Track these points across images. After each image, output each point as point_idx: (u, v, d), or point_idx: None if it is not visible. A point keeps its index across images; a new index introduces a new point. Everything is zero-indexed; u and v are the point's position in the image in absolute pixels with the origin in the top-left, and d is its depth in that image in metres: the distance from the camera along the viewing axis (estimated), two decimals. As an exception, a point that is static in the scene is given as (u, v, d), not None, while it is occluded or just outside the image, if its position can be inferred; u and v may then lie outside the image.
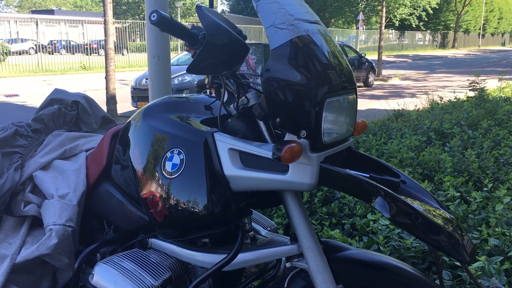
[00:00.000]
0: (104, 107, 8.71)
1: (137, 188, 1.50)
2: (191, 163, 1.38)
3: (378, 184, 1.21)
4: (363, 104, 11.02)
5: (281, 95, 1.26)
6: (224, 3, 64.58)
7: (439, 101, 7.61)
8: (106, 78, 8.50)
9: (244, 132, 1.43)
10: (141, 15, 43.32)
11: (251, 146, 1.33)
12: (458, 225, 1.25)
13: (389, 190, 1.19)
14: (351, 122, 1.40)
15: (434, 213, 1.23)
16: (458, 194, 2.62)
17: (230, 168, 1.35)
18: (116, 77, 8.79)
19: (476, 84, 6.75)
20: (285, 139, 1.30)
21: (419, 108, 7.48)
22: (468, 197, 2.80)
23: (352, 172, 1.33)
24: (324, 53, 1.31)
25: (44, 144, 1.87)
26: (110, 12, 8.25)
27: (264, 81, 1.27)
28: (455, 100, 7.47)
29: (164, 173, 1.42)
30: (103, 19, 8.37)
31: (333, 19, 44.64)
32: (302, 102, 1.24)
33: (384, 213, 1.19)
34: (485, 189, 2.60)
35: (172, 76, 9.76)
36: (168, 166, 1.42)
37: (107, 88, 8.50)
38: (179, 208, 1.40)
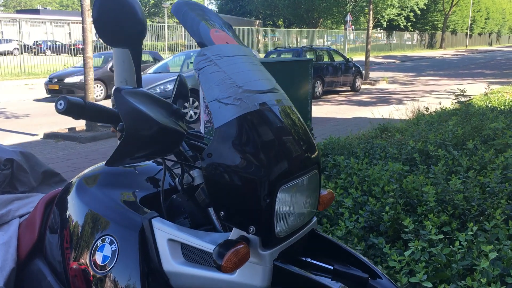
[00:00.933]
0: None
1: (66, 276, 1.30)
2: (124, 256, 1.18)
3: None
4: (349, 112, 10.87)
5: (225, 184, 1.07)
6: (212, 3, 64.28)
7: (425, 112, 7.47)
8: (85, 87, 8.24)
9: (191, 212, 1.24)
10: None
11: (194, 237, 1.14)
12: None
13: None
14: (313, 202, 1.22)
15: None
16: (441, 236, 2.45)
17: (170, 263, 1.15)
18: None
19: (462, 95, 6.61)
20: (232, 232, 1.11)
21: (405, 119, 7.34)
22: (452, 236, 2.64)
23: (314, 263, 1.15)
24: (278, 130, 1.12)
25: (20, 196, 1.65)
26: (88, 19, 8.00)
27: (205, 168, 1.08)
28: (441, 109, 7.33)
29: (94, 266, 1.22)
30: (81, 27, 8.11)
31: (321, 19, 44.57)
32: (250, 193, 1.05)
33: None
34: (470, 233, 2.44)
35: (154, 85, 9.56)
36: (99, 257, 1.22)
37: (85, 98, 8.24)
38: None
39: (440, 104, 7.68)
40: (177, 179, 1.27)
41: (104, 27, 1.19)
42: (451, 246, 2.41)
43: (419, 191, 3.34)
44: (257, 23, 49.27)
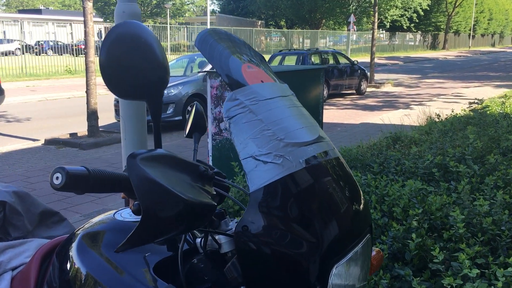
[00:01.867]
0: (82, 123, 8.27)
1: None
2: None
3: None
4: (356, 117, 10.67)
5: (264, 264, 0.87)
6: (214, 3, 64.09)
7: (436, 119, 7.26)
8: (87, 92, 8.04)
9: (216, 281, 1.03)
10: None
11: None
12: None
13: None
14: (366, 271, 1.02)
15: None
16: (477, 271, 2.25)
17: None
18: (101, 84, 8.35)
19: (477, 103, 6.40)
20: None
21: (416, 125, 7.14)
22: (488, 271, 2.44)
23: None
24: (328, 193, 0.93)
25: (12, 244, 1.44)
26: (90, 23, 7.81)
27: (239, 243, 0.88)
28: (453, 116, 7.12)
29: None
30: (84, 30, 7.92)
31: (324, 20, 44.37)
32: (297, 276, 0.86)
33: None
34: (509, 268, 2.23)
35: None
36: None
37: (88, 103, 8.04)
38: None
39: (452, 111, 7.47)
40: (198, 239, 1.07)
41: (115, 75, 0.94)
42: (488, 283, 2.21)
43: (443, 212, 3.14)
44: (259, 23, 49.09)
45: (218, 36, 1.05)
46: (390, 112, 10.89)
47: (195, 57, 10.50)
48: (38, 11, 44.90)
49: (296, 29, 45.05)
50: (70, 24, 35.54)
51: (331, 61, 14.49)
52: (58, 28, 40.99)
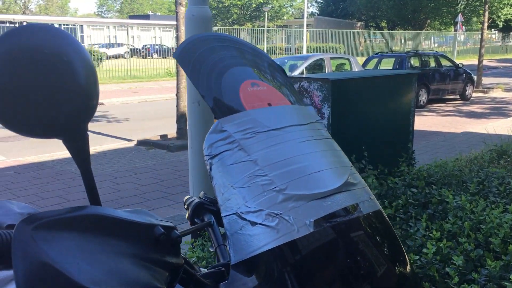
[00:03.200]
0: (174, 125, 8.43)
1: None
2: None
3: None
4: (458, 125, 9.80)
5: None
6: (313, 5, 63.68)
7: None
8: (176, 95, 8.20)
9: None
10: (230, 20, 43.74)
11: None
12: None
13: None
14: None
15: None
16: None
17: None
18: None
19: None
20: None
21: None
22: None
23: None
24: (354, 276, 0.64)
25: None
26: (183, 28, 7.94)
27: None
28: None
29: None
30: (176, 35, 8.08)
31: (428, 20, 42.12)
32: None
33: None
34: None
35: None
36: None
37: (177, 105, 8.20)
38: None
39: None
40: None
41: (9, 106, 0.63)
42: None
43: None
44: (358, 25, 47.90)
45: (220, 42, 0.80)
46: (497, 121, 9.86)
47: (285, 60, 10.31)
48: (146, 17, 47.75)
49: (398, 30, 43.22)
50: (175, 29, 37.36)
51: (432, 64, 13.53)
52: (164, 32, 43.32)
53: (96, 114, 12.08)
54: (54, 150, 7.66)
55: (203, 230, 0.93)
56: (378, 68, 13.34)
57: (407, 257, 0.75)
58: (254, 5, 43.31)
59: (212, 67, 0.77)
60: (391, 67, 13.09)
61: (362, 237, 0.71)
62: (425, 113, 11.68)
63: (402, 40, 40.66)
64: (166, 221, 0.73)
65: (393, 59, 13.27)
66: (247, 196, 0.68)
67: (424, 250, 2.62)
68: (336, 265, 0.67)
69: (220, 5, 43.31)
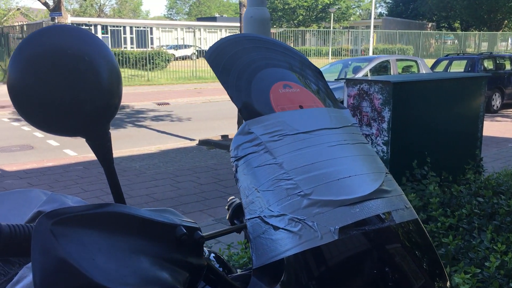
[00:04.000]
0: (235, 126, 8.52)
1: None
2: None
3: None
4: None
5: None
6: (382, 6, 62.15)
7: None
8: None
9: None
10: (295, 21, 43.68)
11: None
12: None
13: None
14: None
15: None
16: None
17: None
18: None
19: None
20: None
21: None
22: None
23: None
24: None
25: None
26: (245, 29, 8.01)
27: None
28: None
29: None
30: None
31: (506, 21, 39.88)
32: None
33: None
34: None
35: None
36: None
37: (239, 106, 8.28)
38: None
39: None
40: None
41: (33, 105, 0.65)
42: None
43: None
44: (429, 26, 46.22)
45: (252, 43, 0.79)
46: None
47: (349, 62, 10.12)
48: (213, 19, 48.69)
49: (472, 31, 41.27)
50: (240, 31, 37.84)
51: (508, 67, 12.77)
52: (230, 34, 44.02)
53: (161, 113, 12.49)
54: (121, 147, 7.99)
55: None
56: (448, 70, 12.78)
57: (445, 273, 0.70)
58: (320, 6, 42.98)
59: (243, 68, 0.76)
60: (462, 70, 12.50)
61: (394, 248, 0.67)
62: (499, 118, 11.05)
63: (476, 42, 38.77)
64: (191, 221, 0.73)
65: (464, 61, 12.67)
66: (271, 199, 0.66)
67: (487, 264, 2.47)
68: (363, 277, 0.63)
69: (286, 7, 43.33)
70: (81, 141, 8.71)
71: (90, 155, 7.43)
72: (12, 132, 9.61)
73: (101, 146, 0.74)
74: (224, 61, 0.77)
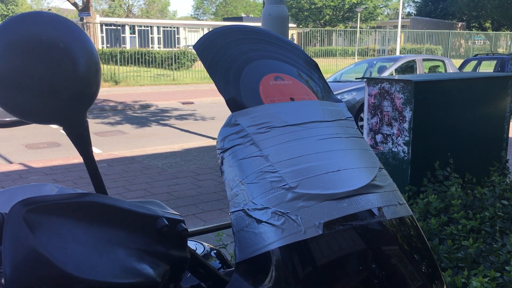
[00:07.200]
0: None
1: None
2: None
3: None
4: None
5: None
6: (410, 5, 61.23)
7: None
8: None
9: None
10: (321, 21, 43.44)
11: None
12: None
13: None
14: None
15: None
16: None
17: None
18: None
19: None
20: None
21: None
22: None
23: None
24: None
25: None
26: (269, 28, 8.00)
27: None
28: None
29: None
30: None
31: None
32: None
33: None
34: None
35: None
36: None
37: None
38: None
39: None
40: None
41: (11, 93, 0.64)
42: None
43: None
44: (459, 25, 45.33)
45: (245, 35, 0.78)
46: None
47: (374, 62, 10.00)
48: (239, 19, 48.86)
49: (503, 31, 40.29)
50: (266, 30, 37.94)
51: (540, 67, 12.41)
52: (256, 34, 44.00)
53: (185, 112, 12.59)
54: (145, 145, 8.08)
55: None
56: (477, 71, 12.50)
57: (440, 273, 0.67)
58: (347, 6, 42.62)
59: (233, 60, 0.75)
60: (492, 70, 12.21)
61: (384, 245, 0.65)
62: (529, 120, 10.75)
63: (508, 42, 37.83)
64: (174, 214, 0.72)
65: (494, 62, 12.37)
66: (255, 192, 0.65)
67: (507, 268, 2.40)
68: (351, 273, 0.62)
69: (312, 7, 43.12)
70: (106, 139, 8.85)
71: (115, 153, 7.54)
72: (40, 129, 9.84)
73: (78, 135, 0.73)
74: (213, 52, 0.77)
